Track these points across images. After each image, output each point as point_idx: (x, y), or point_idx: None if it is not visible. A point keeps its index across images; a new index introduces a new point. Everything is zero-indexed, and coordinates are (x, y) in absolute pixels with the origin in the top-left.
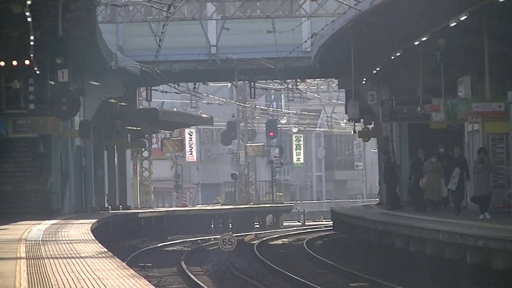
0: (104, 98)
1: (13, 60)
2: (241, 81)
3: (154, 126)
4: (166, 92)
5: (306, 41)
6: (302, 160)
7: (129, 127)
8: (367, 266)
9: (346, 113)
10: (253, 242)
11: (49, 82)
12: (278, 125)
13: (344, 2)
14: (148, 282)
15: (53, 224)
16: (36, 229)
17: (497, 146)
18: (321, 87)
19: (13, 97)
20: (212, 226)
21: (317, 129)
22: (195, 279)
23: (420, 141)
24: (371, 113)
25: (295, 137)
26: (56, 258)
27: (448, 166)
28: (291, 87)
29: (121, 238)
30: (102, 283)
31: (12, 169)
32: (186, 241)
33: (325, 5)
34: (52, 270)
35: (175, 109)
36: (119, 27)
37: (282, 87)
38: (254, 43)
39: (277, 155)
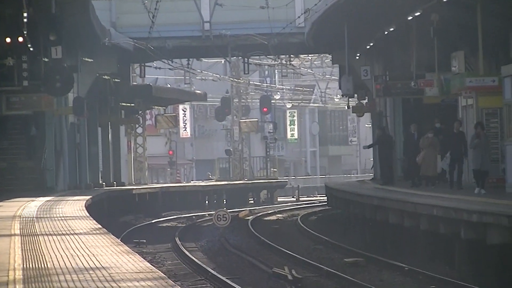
0: (97, 75)
1: (7, 37)
2: (234, 57)
3: (148, 103)
4: (159, 68)
5: (299, 17)
6: (296, 136)
7: (123, 104)
8: (361, 241)
9: (340, 88)
10: (247, 218)
11: (43, 59)
12: (272, 101)
13: None
14: (142, 259)
15: (47, 201)
16: (30, 206)
17: (491, 121)
18: (315, 62)
19: (7, 74)
20: (207, 202)
21: (311, 104)
22: (190, 255)
23: (414, 116)
24: (365, 89)
25: (289, 112)
26: (51, 234)
27: (444, 141)
28: (284, 62)
29: (116, 214)
30: (97, 260)
31: (6, 146)
32: (181, 217)
33: None
34: (47, 246)
35: (169, 85)
36: (112, 4)
37: (276, 63)
38: (248, 19)
39: (271, 131)
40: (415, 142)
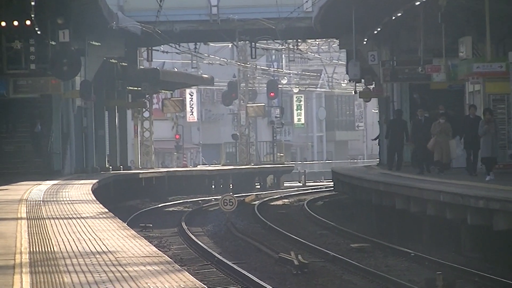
0: (105, 59)
1: (14, 20)
2: (242, 42)
3: (155, 87)
4: (167, 52)
5: (307, 1)
6: (303, 121)
7: (130, 88)
8: (367, 227)
9: (347, 73)
10: (254, 203)
11: (50, 43)
12: (279, 86)
13: None
14: (148, 243)
15: (54, 184)
16: (36, 189)
17: (498, 107)
18: (322, 47)
19: (14, 57)
20: (213, 186)
21: (318, 89)
22: (196, 240)
23: (421, 101)
24: (372, 74)
25: (296, 97)
26: (57, 218)
27: (452, 127)
28: (292, 47)
29: (122, 198)
30: (103, 244)
31: (13, 129)
32: (187, 201)
33: None
34: (53, 230)
35: (176, 70)
36: None
37: (283, 47)
38: (255, 3)
39: (278, 116)
40: (423, 127)
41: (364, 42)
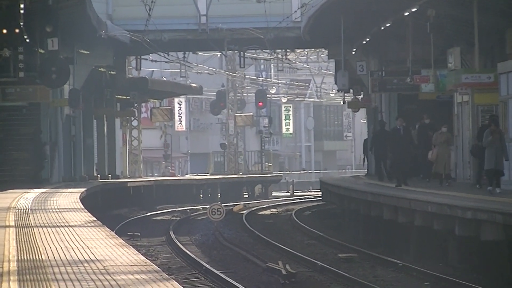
0: (93, 67)
1: (3, 28)
2: (230, 51)
3: (144, 95)
4: (155, 61)
5: (296, 11)
6: (291, 130)
7: (119, 96)
8: (355, 237)
9: (335, 83)
10: (242, 212)
11: (39, 51)
12: (268, 95)
13: None
14: (136, 252)
15: (42, 192)
16: (25, 197)
17: (486, 118)
18: (311, 57)
19: (3, 65)
20: (201, 196)
21: (307, 99)
22: (184, 249)
23: (410, 112)
24: (360, 84)
25: (285, 107)
26: (45, 226)
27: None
28: (280, 57)
29: (110, 207)
30: (91, 252)
31: (1, 136)
32: (175, 210)
33: None
34: (41, 238)
35: (165, 78)
36: None
37: (272, 57)
38: (244, 13)
39: (266, 125)
40: (401, 137)
41: (353, 52)
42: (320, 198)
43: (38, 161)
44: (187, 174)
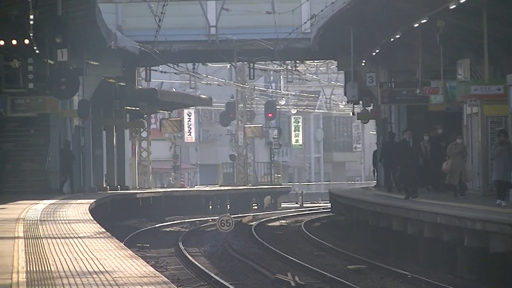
0: (103, 78)
1: (13, 39)
2: (240, 62)
3: (153, 106)
4: (165, 72)
5: (305, 23)
6: (300, 142)
7: (128, 107)
8: (364, 248)
9: (345, 94)
10: (251, 224)
11: (48, 62)
12: (277, 106)
13: None
14: (146, 263)
15: (51, 203)
16: (34, 208)
17: (495, 129)
18: (320, 68)
19: (12, 76)
20: (210, 207)
21: (316, 110)
22: (193, 260)
23: (419, 123)
24: (370, 95)
25: (294, 118)
26: (54, 238)
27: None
28: (290, 68)
29: (119, 218)
30: (100, 264)
31: (11, 148)
32: (184, 222)
33: None
34: (50, 250)
35: (174, 90)
36: (118, 7)
37: (281, 68)
38: (254, 24)
39: (276, 137)
40: (410, 150)
41: (362, 64)
42: (330, 210)
43: (65, 174)
44: (196, 185)
